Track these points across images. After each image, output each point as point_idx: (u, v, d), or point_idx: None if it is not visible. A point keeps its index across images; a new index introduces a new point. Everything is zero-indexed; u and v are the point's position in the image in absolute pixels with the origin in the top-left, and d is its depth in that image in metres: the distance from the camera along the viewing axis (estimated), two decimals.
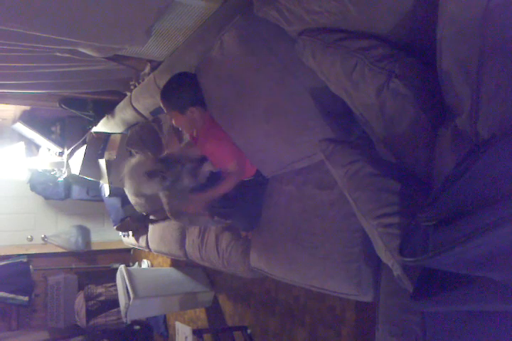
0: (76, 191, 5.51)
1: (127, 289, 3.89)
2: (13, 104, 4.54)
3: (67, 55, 2.97)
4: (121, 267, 4.20)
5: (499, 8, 0.99)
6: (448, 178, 0.98)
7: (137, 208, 4.17)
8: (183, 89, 2.39)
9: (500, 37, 0.96)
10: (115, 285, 4.63)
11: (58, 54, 2.93)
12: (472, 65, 1.02)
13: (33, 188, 5.54)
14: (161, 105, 2.50)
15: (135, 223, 4.50)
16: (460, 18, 1.05)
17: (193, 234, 3.26)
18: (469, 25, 1.02)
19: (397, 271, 1.32)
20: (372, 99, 1.44)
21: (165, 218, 3.87)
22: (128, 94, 3.76)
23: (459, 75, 1.09)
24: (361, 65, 1.47)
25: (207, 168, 2.56)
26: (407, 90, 1.35)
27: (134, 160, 2.44)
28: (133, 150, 3.55)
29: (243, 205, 2.56)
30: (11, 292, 5.36)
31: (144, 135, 3.44)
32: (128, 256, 6.23)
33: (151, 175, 2.35)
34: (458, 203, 0.90)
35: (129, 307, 3.77)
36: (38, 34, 2.34)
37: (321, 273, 2.04)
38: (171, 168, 2.40)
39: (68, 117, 5.05)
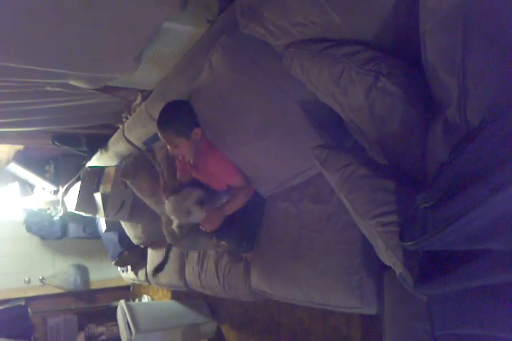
0: (72, 229, 5.47)
1: (128, 324, 3.82)
2: (5, 144, 4.55)
3: (59, 89, 3.00)
4: (122, 302, 4.13)
5: None
6: (442, 164, 0.98)
7: (134, 241, 4.14)
8: (182, 114, 2.40)
9: (482, 22, 0.99)
10: (116, 324, 4.53)
11: (49, 88, 2.97)
12: (456, 54, 1.04)
13: (28, 229, 5.49)
14: (162, 136, 2.42)
15: (134, 256, 4.46)
16: (440, 9, 1.08)
17: (192, 261, 3.23)
18: (450, 15, 1.05)
19: (399, 269, 1.31)
20: (362, 101, 1.46)
21: (163, 246, 3.84)
22: (120, 126, 3.79)
23: (444, 66, 1.11)
24: (348, 70, 1.50)
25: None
26: (395, 88, 1.37)
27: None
28: (128, 181, 3.55)
29: (241, 226, 2.55)
30: (9, 337, 5.22)
31: (138, 165, 3.45)
32: (128, 293, 6.13)
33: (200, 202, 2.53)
34: (453, 182, 0.90)
35: None
36: (28, 67, 2.37)
37: (322, 288, 2.02)
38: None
39: (62, 155, 5.08)
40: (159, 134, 2.44)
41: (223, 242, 2.68)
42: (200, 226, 2.46)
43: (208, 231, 2.47)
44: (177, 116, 2.39)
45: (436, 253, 1.02)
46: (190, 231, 2.69)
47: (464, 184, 0.85)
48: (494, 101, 0.97)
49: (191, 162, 2.59)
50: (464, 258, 0.93)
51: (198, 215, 2.52)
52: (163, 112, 2.43)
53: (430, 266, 1.04)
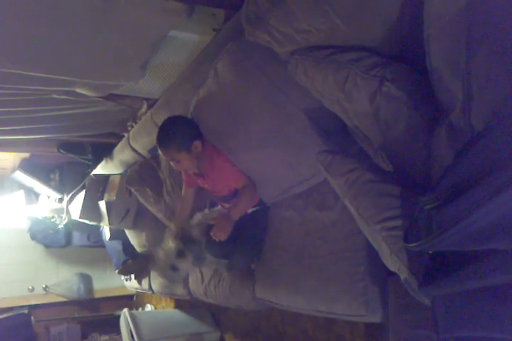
0: (77, 237, 5.47)
1: (131, 333, 3.80)
2: (11, 152, 4.56)
3: (65, 97, 3.01)
4: (125, 310, 4.11)
5: None
6: (447, 167, 0.99)
7: (139, 249, 4.14)
8: (179, 129, 2.38)
9: (485, 25, 0.99)
10: (119, 333, 4.52)
11: (55, 96, 2.98)
12: (460, 58, 1.05)
13: (33, 237, 5.49)
14: (164, 154, 2.42)
15: (137, 265, 4.45)
16: (445, 13, 1.09)
17: (196, 269, 3.22)
18: (454, 19, 1.06)
19: (403, 274, 1.30)
20: (367, 106, 1.47)
21: None
22: (125, 135, 3.80)
23: (448, 70, 1.12)
24: (353, 76, 1.50)
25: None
26: (399, 92, 1.38)
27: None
28: (133, 189, 3.55)
29: (248, 241, 2.55)
30: None
31: (143, 173, 3.46)
32: (131, 302, 6.11)
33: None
34: (457, 184, 0.90)
35: None
36: (34, 74, 2.39)
37: (327, 296, 2.01)
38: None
39: (67, 163, 5.09)
40: (160, 152, 2.43)
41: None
42: (213, 237, 2.39)
43: (222, 239, 2.39)
44: (175, 131, 2.37)
45: (441, 256, 1.02)
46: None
47: (468, 185, 0.85)
48: (499, 104, 0.97)
49: (196, 171, 2.60)
50: (469, 259, 0.93)
51: (184, 265, 2.59)
52: (162, 130, 2.41)
53: (435, 268, 1.04)
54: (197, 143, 2.37)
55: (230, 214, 2.43)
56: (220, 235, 2.37)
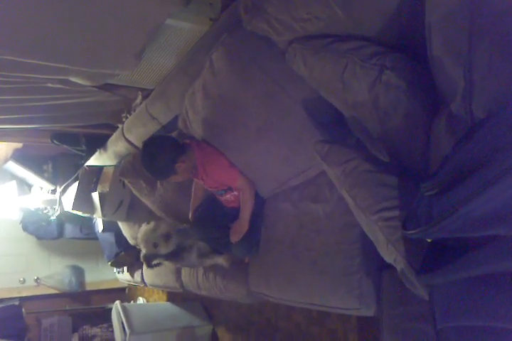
0: (69, 229, 5.43)
1: (123, 325, 3.79)
2: (4, 141, 4.52)
3: (59, 86, 2.98)
4: (117, 303, 4.10)
5: None
6: (447, 155, 0.97)
7: (131, 241, 4.11)
8: (158, 158, 2.39)
9: (488, 13, 0.98)
10: (111, 326, 4.50)
11: (50, 85, 2.95)
12: (462, 46, 1.03)
13: (25, 228, 5.46)
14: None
15: (130, 257, 4.43)
16: (446, 0, 1.07)
17: None
18: (457, 7, 1.04)
19: (400, 265, 1.29)
20: (365, 95, 1.45)
21: None
22: (120, 126, 3.77)
23: (449, 58, 1.10)
24: (352, 65, 1.49)
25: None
26: (399, 80, 1.36)
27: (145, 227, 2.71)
28: (126, 180, 3.52)
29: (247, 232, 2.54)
30: (2, 337, 5.18)
31: (136, 164, 3.42)
32: (123, 295, 6.09)
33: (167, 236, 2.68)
34: (459, 169, 0.89)
35: None
36: (29, 61, 2.36)
37: (321, 289, 2.00)
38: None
39: (60, 155, 5.05)
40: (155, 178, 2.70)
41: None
42: (231, 240, 2.54)
43: (237, 240, 2.53)
44: (155, 162, 2.42)
45: (439, 244, 1.01)
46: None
47: (469, 172, 0.84)
48: (501, 92, 0.96)
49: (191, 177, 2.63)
50: (469, 247, 0.92)
51: (163, 249, 2.66)
52: (143, 162, 2.47)
53: (434, 256, 1.02)
54: (179, 165, 2.38)
55: (240, 218, 2.52)
56: (235, 237, 2.53)
